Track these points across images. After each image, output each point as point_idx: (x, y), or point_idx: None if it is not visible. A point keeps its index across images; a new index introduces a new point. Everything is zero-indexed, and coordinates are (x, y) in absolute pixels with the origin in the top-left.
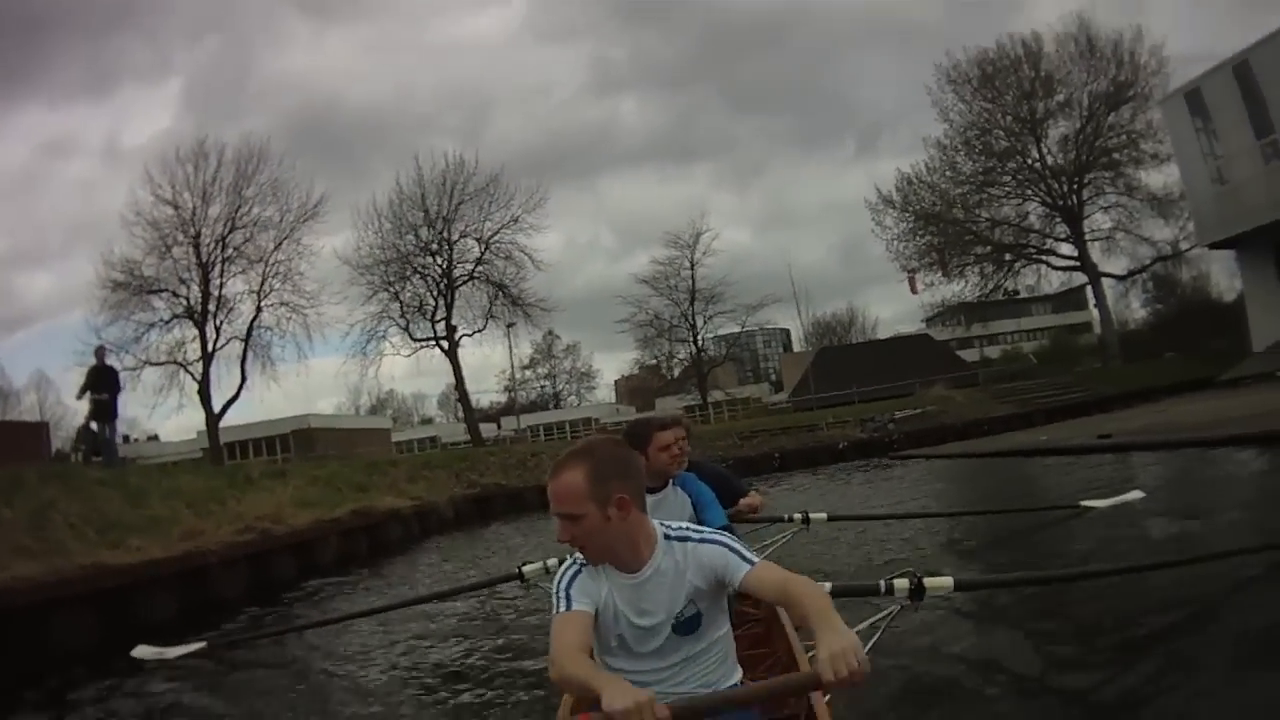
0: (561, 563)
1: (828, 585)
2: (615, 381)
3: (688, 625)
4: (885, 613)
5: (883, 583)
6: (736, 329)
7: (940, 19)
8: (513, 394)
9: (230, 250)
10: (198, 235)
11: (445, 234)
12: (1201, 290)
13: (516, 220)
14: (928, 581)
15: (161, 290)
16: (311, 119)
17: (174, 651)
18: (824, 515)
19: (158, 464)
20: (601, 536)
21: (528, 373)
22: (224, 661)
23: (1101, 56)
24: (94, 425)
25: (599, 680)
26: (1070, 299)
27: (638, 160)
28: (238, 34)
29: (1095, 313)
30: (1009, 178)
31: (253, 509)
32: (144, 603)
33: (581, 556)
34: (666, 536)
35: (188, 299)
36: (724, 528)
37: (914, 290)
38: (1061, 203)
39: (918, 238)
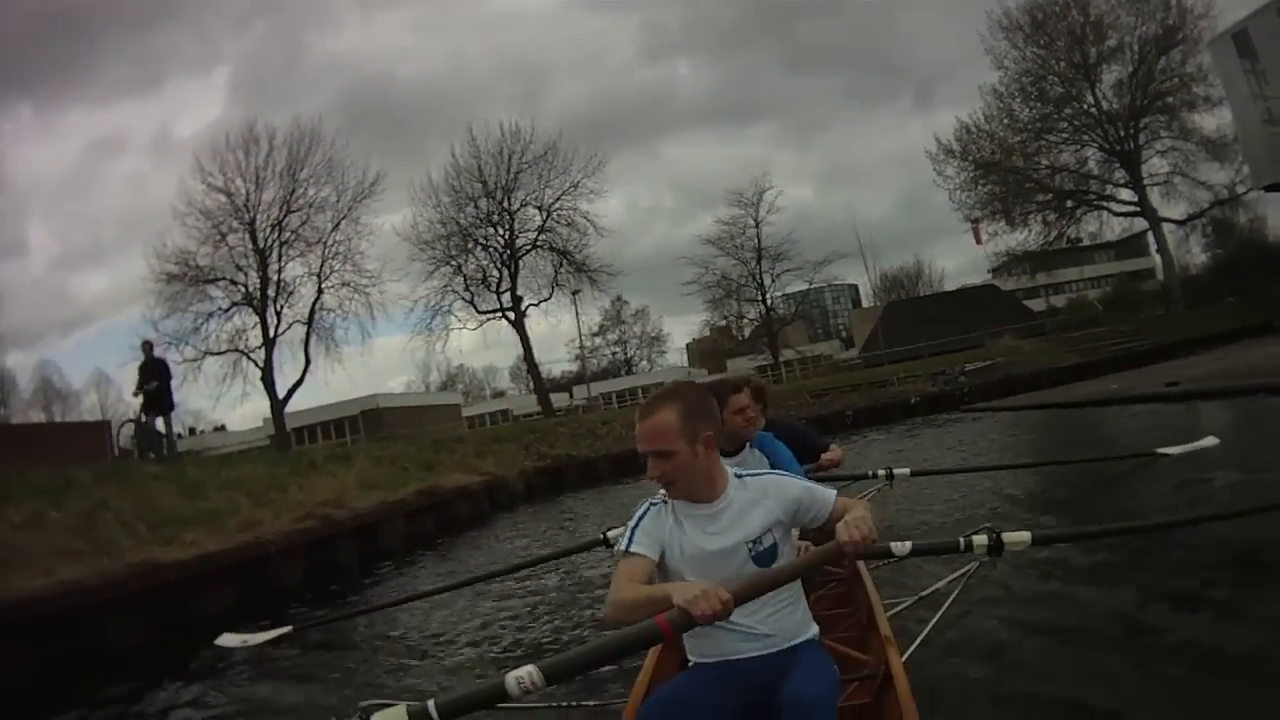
0: None
1: (908, 544)
2: (686, 345)
3: (765, 556)
4: (964, 569)
5: (961, 540)
6: (805, 286)
7: None
8: (582, 362)
9: (287, 234)
10: (253, 221)
11: (505, 204)
12: (1259, 234)
13: (576, 186)
14: (1006, 537)
15: (218, 279)
16: (364, 98)
17: (258, 638)
18: (907, 470)
19: (222, 455)
20: (689, 471)
21: (597, 340)
22: (310, 644)
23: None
24: (144, 418)
25: (663, 588)
26: (1132, 245)
27: (696, 122)
28: (285, 18)
29: (1157, 259)
30: (1065, 124)
31: (314, 495)
32: (198, 598)
33: (658, 496)
34: (739, 476)
35: (246, 286)
36: None
37: (978, 240)
38: (1119, 148)
39: (979, 187)
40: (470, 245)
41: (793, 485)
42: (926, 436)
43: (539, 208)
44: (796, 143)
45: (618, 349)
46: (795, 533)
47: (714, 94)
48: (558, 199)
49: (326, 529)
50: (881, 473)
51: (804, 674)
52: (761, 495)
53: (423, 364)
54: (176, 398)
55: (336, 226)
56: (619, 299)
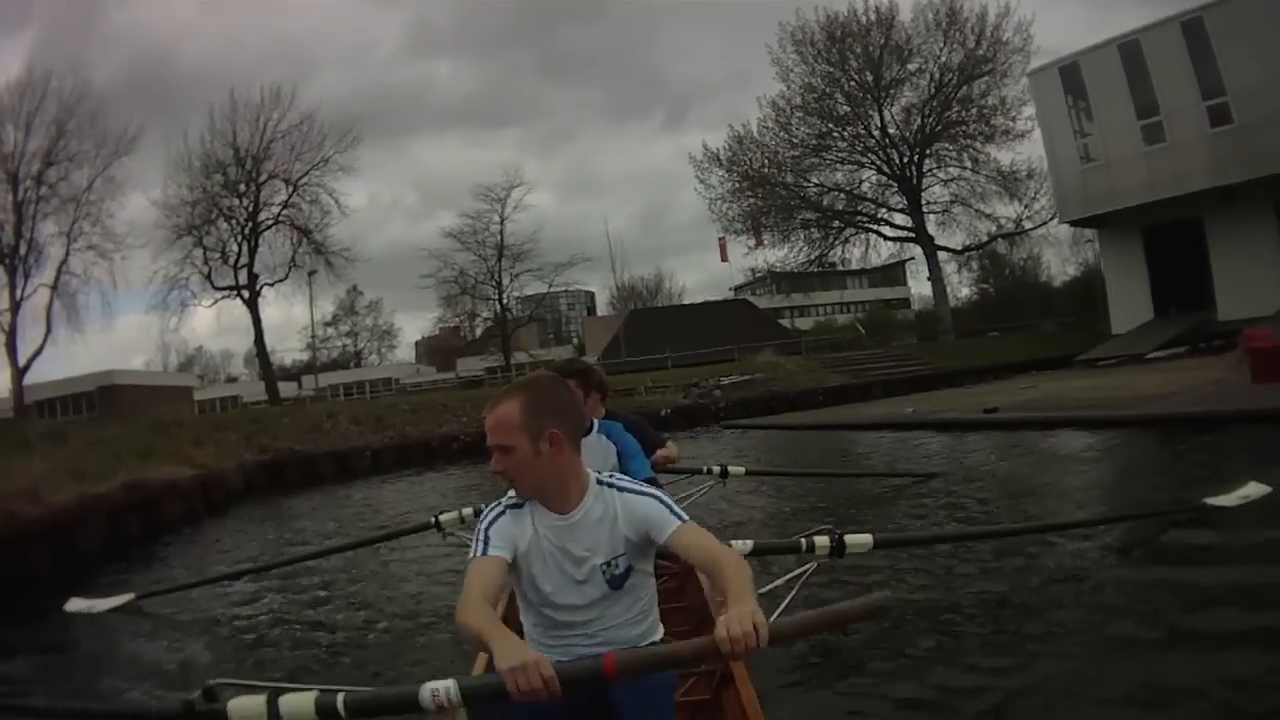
0: (478, 514)
1: (749, 543)
2: (416, 342)
3: (618, 580)
4: (804, 569)
5: (803, 540)
6: (543, 289)
7: None
8: (313, 350)
9: (45, 188)
10: (16, 171)
11: (254, 174)
12: (1031, 273)
13: (328, 161)
14: (848, 539)
15: None
16: (148, 73)
17: (103, 604)
18: (742, 470)
19: None
20: (531, 471)
21: (330, 329)
22: (151, 613)
23: (961, 29)
24: None
25: (491, 636)
26: (887, 273)
27: (447, 123)
28: None
29: (913, 289)
30: (845, 143)
31: (11, 483)
32: None
33: (509, 497)
34: (599, 482)
35: (0, 243)
36: (649, 480)
37: (724, 258)
38: (900, 173)
39: (742, 200)
40: (214, 215)
41: (643, 504)
42: (717, 448)
43: (286, 180)
44: (542, 150)
45: (349, 340)
46: None
47: (470, 96)
48: (306, 173)
49: (13, 528)
50: (716, 469)
51: None
52: (617, 510)
53: (163, 344)
54: None
55: (91, 184)
56: (354, 289)
